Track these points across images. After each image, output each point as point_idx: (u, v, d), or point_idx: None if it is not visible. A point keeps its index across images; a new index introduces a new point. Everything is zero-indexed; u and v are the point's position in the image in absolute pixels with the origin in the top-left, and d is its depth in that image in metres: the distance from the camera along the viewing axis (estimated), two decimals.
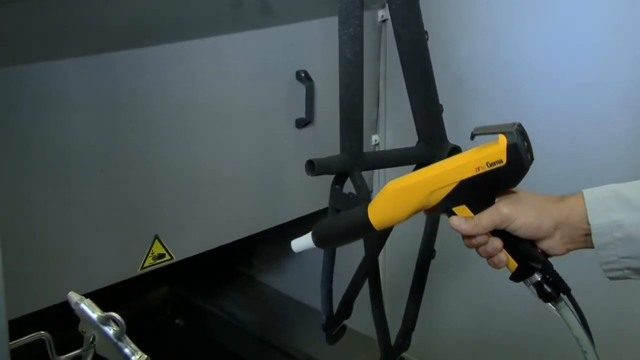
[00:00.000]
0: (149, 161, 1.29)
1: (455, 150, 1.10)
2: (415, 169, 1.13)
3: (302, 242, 0.86)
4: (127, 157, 1.26)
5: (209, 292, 2.04)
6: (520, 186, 0.85)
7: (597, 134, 1.33)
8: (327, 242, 0.87)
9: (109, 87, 1.21)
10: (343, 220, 0.87)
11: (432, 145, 1.09)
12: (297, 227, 1.64)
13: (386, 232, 1.17)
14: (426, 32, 1.10)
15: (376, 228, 0.81)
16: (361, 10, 1.06)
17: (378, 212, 0.80)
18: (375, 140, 1.71)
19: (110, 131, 1.23)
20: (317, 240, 0.85)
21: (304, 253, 2.01)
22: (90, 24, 1.15)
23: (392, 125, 1.69)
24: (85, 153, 1.20)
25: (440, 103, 1.12)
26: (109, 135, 1.23)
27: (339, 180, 1.05)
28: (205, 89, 1.35)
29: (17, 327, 0.83)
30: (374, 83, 1.67)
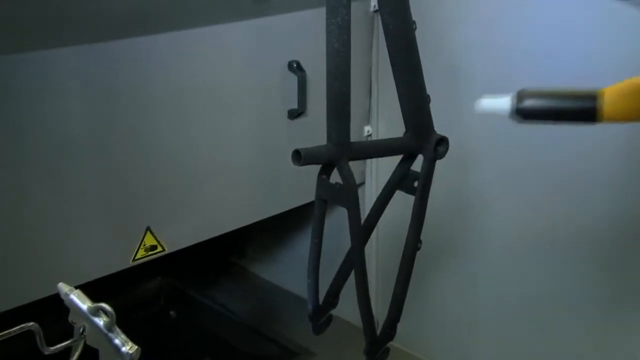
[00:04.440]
0: (141, 153, 1.30)
1: (442, 140, 1.10)
2: (402, 160, 1.13)
3: (495, 104, 0.75)
4: (120, 149, 1.26)
5: (202, 283, 2.04)
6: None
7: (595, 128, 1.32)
8: (530, 113, 0.74)
9: (102, 77, 1.21)
10: (562, 95, 0.74)
11: (419, 135, 1.09)
12: (289, 218, 1.67)
13: (372, 222, 1.18)
14: (414, 22, 1.09)
15: (603, 118, 0.71)
16: (349, 0, 1.05)
17: (615, 101, 0.71)
18: (368, 131, 1.71)
19: (103, 124, 1.23)
20: (519, 108, 0.73)
21: (295, 243, 2.02)
22: (86, 13, 1.15)
23: (384, 116, 1.70)
24: (78, 145, 1.20)
25: (428, 93, 1.12)
26: (101, 128, 1.23)
27: (325, 170, 1.05)
28: (197, 80, 1.35)
29: (7, 319, 0.84)
30: (366, 73, 1.67)
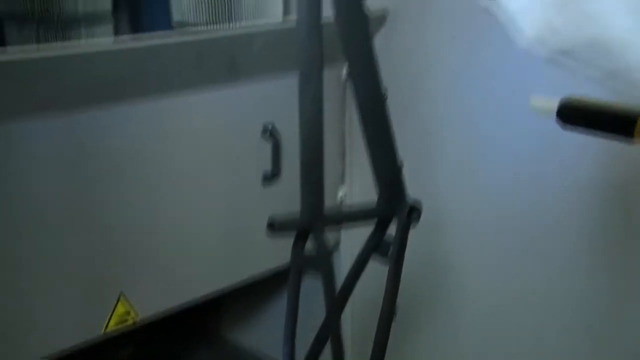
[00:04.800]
0: (113, 217, 1.28)
1: (415, 207, 1.11)
2: (376, 226, 1.14)
3: (545, 104, 0.78)
4: (91, 213, 1.25)
5: (176, 350, 2.00)
6: None
7: (562, 182, 1.35)
8: (570, 118, 0.77)
9: (71, 146, 1.20)
10: (606, 107, 0.75)
11: (392, 201, 1.10)
12: (266, 282, 1.65)
13: (348, 289, 1.17)
14: (385, 89, 1.12)
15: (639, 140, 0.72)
16: (321, 68, 1.07)
17: None
18: (342, 194, 1.72)
19: (75, 188, 1.22)
20: (559, 112, 0.76)
21: (272, 308, 1.99)
22: (54, 85, 1.15)
23: (359, 176, 1.71)
24: (48, 209, 1.19)
25: (401, 159, 1.13)
26: (73, 192, 1.22)
27: (300, 238, 1.06)
28: (171, 146, 1.35)
29: None
30: (340, 136, 1.69)
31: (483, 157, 1.45)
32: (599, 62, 0.54)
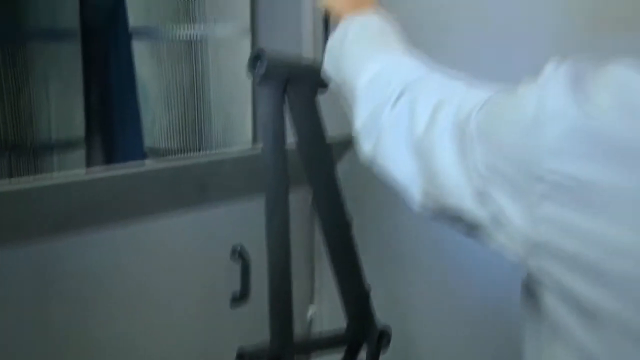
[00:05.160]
0: (81, 346, 1.26)
1: (385, 332, 1.11)
2: (346, 352, 1.13)
3: None
4: (57, 343, 1.22)
5: None
6: None
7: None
8: None
9: (40, 274, 1.20)
10: None
11: (361, 327, 1.11)
12: None
13: None
14: (351, 216, 1.15)
15: None
16: (287, 193, 1.10)
17: None
18: (312, 312, 1.71)
19: (37, 320, 1.20)
20: None
21: None
22: (27, 215, 1.16)
23: (328, 297, 1.70)
24: (15, 337, 1.17)
25: (369, 283, 1.15)
26: (43, 319, 1.20)
27: None
28: (142, 270, 1.34)
29: None
30: (309, 255, 1.70)
31: (451, 280, 1.48)
32: (461, 219, 0.65)
